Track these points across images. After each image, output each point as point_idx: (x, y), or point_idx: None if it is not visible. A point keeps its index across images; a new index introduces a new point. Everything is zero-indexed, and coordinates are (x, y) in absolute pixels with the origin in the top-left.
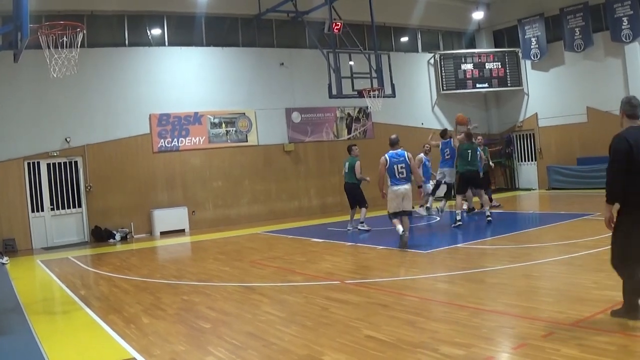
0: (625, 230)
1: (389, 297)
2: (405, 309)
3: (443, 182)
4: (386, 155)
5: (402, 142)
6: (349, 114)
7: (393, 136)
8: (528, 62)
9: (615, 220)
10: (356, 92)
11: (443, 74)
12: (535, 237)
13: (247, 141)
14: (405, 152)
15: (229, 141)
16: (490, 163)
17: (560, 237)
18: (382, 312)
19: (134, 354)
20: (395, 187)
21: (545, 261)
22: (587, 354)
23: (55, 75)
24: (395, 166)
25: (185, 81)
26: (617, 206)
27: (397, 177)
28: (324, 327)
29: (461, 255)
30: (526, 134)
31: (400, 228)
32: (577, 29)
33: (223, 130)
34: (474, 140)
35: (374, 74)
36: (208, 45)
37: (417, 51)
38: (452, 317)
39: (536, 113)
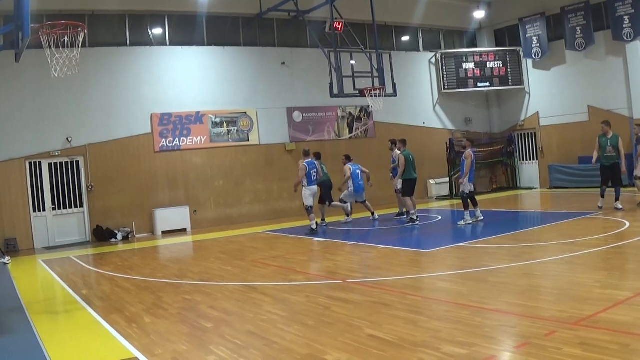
0: None
1: (391, 296)
2: (407, 308)
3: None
4: (305, 163)
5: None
6: (350, 113)
7: (306, 148)
8: (529, 61)
9: None
10: (357, 92)
11: (444, 73)
12: (537, 236)
13: (248, 140)
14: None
15: (230, 140)
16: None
17: (562, 236)
18: (384, 311)
19: (136, 353)
20: (312, 187)
21: (546, 260)
22: (589, 353)
23: (56, 75)
24: (311, 171)
25: (186, 81)
26: None
27: (312, 179)
28: (326, 326)
29: (463, 254)
30: (528, 133)
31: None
32: (578, 28)
33: (224, 129)
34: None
35: (375, 73)
36: (209, 44)
37: (419, 50)
38: (454, 316)
39: (537, 112)
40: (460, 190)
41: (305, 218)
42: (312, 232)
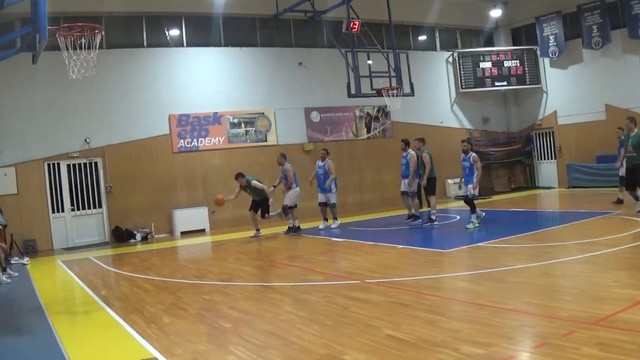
0: None
1: (410, 296)
2: (425, 308)
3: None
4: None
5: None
6: (368, 113)
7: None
8: (546, 60)
9: None
10: (375, 91)
11: (461, 72)
12: (556, 235)
13: (266, 141)
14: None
15: (248, 141)
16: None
17: (581, 236)
18: (403, 311)
19: (155, 353)
20: (298, 189)
21: (565, 260)
22: (608, 353)
23: (74, 77)
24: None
25: (204, 81)
26: None
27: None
28: (345, 327)
29: (481, 254)
30: (545, 132)
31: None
32: (594, 26)
33: (242, 130)
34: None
35: (392, 73)
36: (226, 45)
37: (436, 50)
38: (473, 316)
39: (555, 111)
40: (471, 193)
41: (320, 218)
42: (298, 230)
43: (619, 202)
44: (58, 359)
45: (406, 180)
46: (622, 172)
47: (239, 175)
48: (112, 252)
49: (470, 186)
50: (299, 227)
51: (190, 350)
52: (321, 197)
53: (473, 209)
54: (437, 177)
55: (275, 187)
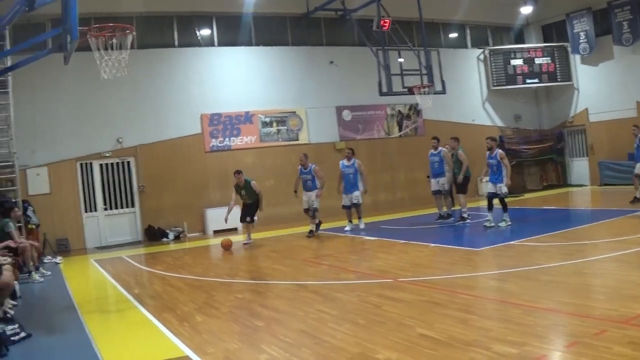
0: None
1: (442, 295)
2: (458, 307)
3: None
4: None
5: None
6: (399, 111)
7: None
8: (577, 57)
9: None
10: (406, 89)
11: (493, 69)
12: (588, 233)
13: (298, 140)
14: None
15: (280, 140)
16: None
17: (612, 234)
18: (435, 310)
19: (188, 352)
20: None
21: (597, 258)
22: (639, 352)
23: (105, 77)
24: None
25: (235, 81)
26: None
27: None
28: (377, 325)
29: (513, 252)
30: (577, 130)
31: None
32: (625, 23)
33: (274, 129)
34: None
35: (423, 71)
36: (257, 44)
37: (466, 47)
38: (505, 315)
39: (586, 108)
40: (503, 192)
41: (355, 216)
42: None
43: (637, 200)
44: (91, 357)
45: (439, 179)
46: (639, 169)
47: (238, 172)
48: (145, 251)
49: (500, 185)
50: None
51: (222, 349)
52: (347, 199)
53: (505, 208)
54: (470, 176)
55: (296, 192)
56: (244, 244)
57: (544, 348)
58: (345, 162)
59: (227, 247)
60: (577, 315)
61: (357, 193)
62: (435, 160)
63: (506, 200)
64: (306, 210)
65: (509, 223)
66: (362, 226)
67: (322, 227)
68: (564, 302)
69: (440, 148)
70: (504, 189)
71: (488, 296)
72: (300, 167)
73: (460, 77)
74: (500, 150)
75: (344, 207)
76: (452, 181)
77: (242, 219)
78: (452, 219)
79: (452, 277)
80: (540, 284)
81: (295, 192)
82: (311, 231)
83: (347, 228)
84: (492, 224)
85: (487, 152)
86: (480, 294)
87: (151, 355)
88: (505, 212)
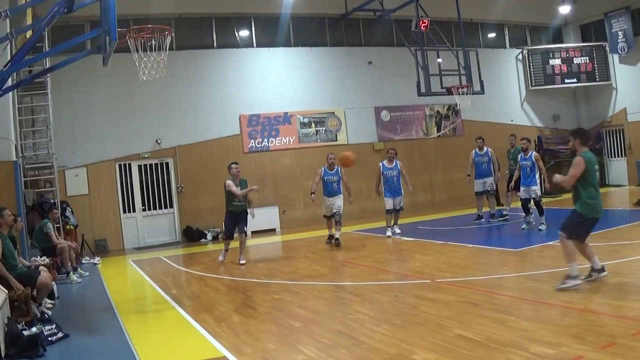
0: None
1: (479, 296)
2: (495, 308)
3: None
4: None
5: (490, 139)
6: (438, 111)
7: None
8: (615, 57)
9: None
10: (445, 90)
11: (531, 69)
12: (626, 234)
13: (336, 140)
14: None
15: (318, 140)
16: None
17: None
18: (472, 311)
19: (225, 352)
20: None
21: (635, 259)
22: None
23: (144, 78)
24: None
25: (273, 82)
26: None
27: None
28: (414, 326)
29: (551, 253)
30: (615, 129)
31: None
32: None
33: (313, 129)
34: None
35: (462, 71)
36: (296, 45)
37: (505, 47)
38: (542, 315)
39: (625, 108)
40: (538, 195)
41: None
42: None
43: None
44: (128, 358)
45: (486, 180)
46: None
47: (237, 163)
48: (183, 251)
49: (534, 187)
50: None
51: (259, 349)
52: (392, 203)
53: (541, 211)
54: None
55: (313, 194)
56: (241, 264)
57: (581, 349)
58: (386, 163)
59: (347, 161)
60: (614, 315)
61: (400, 197)
62: (484, 160)
63: (543, 200)
64: (330, 217)
65: (546, 226)
66: (399, 230)
67: (360, 228)
68: (602, 302)
69: (486, 148)
70: (538, 192)
71: (525, 297)
72: (324, 168)
73: (498, 77)
74: (535, 153)
75: (388, 211)
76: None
77: (239, 231)
78: (500, 214)
79: (489, 277)
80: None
81: (313, 193)
82: (337, 238)
83: (389, 233)
84: (529, 225)
85: (521, 154)
86: (517, 294)
87: (189, 355)
88: (542, 216)
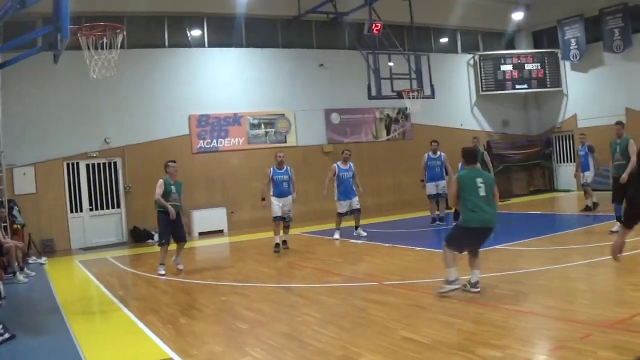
0: None
1: (427, 299)
2: (442, 311)
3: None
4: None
5: (440, 143)
6: (388, 115)
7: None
8: (567, 63)
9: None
10: (395, 93)
11: (482, 75)
12: (573, 238)
13: (286, 142)
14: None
15: (268, 142)
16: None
17: (598, 239)
18: (420, 314)
19: (171, 354)
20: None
21: (582, 263)
22: (624, 357)
23: (95, 77)
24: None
25: (224, 82)
26: None
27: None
28: (361, 328)
29: (499, 256)
30: (566, 135)
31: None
32: (616, 30)
33: (262, 131)
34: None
35: (413, 75)
36: (247, 46)
37: (457, 52)
38: (490, 318)
39: (575, 114)
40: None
41: (343, 220)
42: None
43: (589, 209)
44: (74, 358)
45: (440, 183)
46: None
47: (175, 162)
48: (130, 252)
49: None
50: None
51: (206, 351)
52: (346, 205)
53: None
54: None
55: (264, 200)
56: (179, 269)
57: (528, 352)
58: (341, 164)
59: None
60: (561, 319)
61: (356, 198)
62: (437, 164)
63: None
64: (281, 219)
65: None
66: (364, 234)
67: (308, 230)
68: (549, 306)
69: (439, 152)
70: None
71: (472, 300)
72: (272, 167)
73: (449, 82)
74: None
75: (340, 214)
76: None
77: (183, 240)
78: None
79: (437, 280)
80: (525, 288)
81: (264, 199)
82: (285, 242)
83: (337, 235)
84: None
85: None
86: (465, 297)
87: (135, 357)
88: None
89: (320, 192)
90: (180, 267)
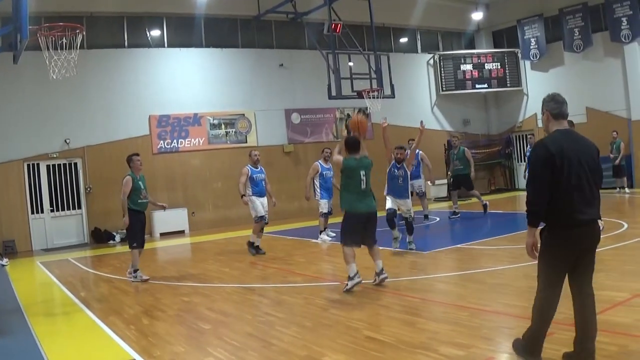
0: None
1: (389, 298)
2: (405, 310)
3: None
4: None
5: (401, 142)
6: (348, 114)
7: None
8: (527, 63)
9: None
10: (355, 93)
11: (442, 74)
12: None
13: (246, 142)
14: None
15: (228, 142)
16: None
17: None
18: (382, 313)
19: (134, 355)
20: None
21: None
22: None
23: (54, 77)
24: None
25: (184, 82)
26: None
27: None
28: (324, 328)
29: (461, 255)
30: (526, 134)
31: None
32: (576, 30)
33: (223, 131)
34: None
35: (373, 75)
36: (207, 46)
37: (417, 52)
38: (452, 317)
39: (535, 113)
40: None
41: (303, 220)
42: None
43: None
44: None
45: (415, 182)
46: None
47: (139, 155)
48: (91, 253)
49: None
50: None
51: (169, 352)
52: (328, 205)
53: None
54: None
55: (245, 197)
56: (143, 280)
57: (492, 350)
58: (323, 163)
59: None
60: (524, 317)
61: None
62: (414, 163)
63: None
64: (262, 219)
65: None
66: (333, 234)
67: (270, 230)
68: (511, 304)
69: (418, 151)
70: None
71: (435, 299)
72: (249, 166)
73: (409, 82)
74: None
75: (324, 214)
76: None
77: (140, 243)
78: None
79: (399, 280)
80: (487, 287)
81: (244, 195)
82: (258, 247)
83: (325, 236)
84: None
85: (393, 163)
86: (427, 296)
87: (98, 358)
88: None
89: (283, 193)
90: (145, 278)
